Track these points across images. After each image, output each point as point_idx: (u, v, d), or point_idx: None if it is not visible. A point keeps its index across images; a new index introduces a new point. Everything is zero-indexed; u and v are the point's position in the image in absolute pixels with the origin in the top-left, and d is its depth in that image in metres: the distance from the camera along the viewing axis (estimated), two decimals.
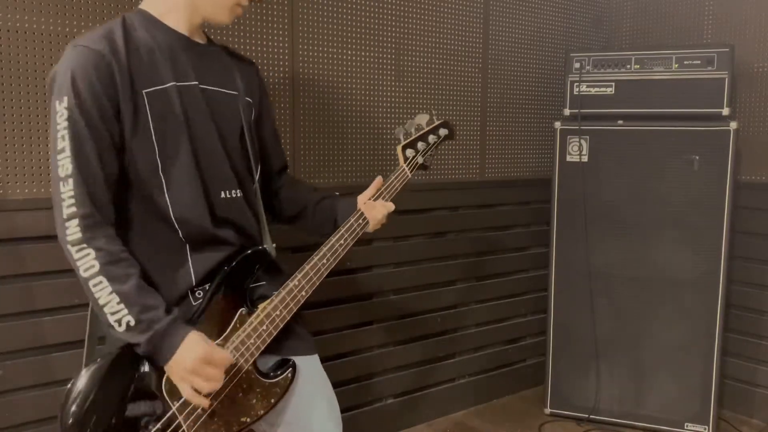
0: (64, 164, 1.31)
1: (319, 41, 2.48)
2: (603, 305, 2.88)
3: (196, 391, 1.34)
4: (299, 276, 1.50)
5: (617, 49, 3.23)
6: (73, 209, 1.30)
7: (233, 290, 1.47)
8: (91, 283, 1.30)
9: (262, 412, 1.46)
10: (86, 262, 1.29)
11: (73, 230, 1.30)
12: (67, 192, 1.30)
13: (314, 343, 1.66)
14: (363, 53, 2.59)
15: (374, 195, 1.68)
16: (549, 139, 3.05)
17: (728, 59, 2.65)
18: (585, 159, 2.86)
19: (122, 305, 1.29)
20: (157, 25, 1.47)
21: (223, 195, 1.50)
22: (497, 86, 3.03)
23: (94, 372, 1.31)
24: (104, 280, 1.29)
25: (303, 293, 1.50)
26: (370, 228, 1.66)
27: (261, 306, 1.48)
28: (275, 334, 1.47)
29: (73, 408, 1.28)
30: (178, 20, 1.49)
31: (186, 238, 1.45)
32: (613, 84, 2.81)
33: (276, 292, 1.49)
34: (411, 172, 1.75)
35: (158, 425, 1.33)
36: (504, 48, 3.04)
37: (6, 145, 1.89)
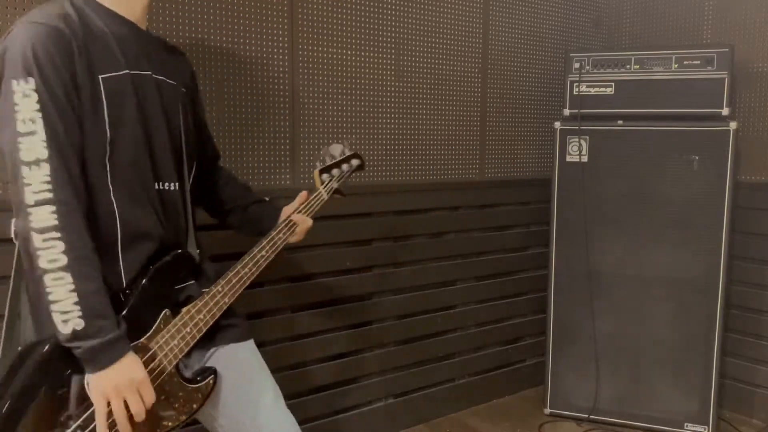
0: (33, 147, 1.22)
1: (319, 41, 2.48)
2: (603, 305, 2.88)
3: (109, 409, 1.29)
4: (222, 282, 1.52)
5: (617, 49, 3.23)
6: (48, 195, 1.22)
7: (158, 291, 1.44)
8: (50, 276, 1.22)
9: (183, 417, 1.45)
10: (52, 253, 1.21)
11: (43, 216, 1.21)
12: (38, 177, 1.22)
13: (248, 329, 1.63)
14: (363, 53, 2.59)
15: (298, 208, 1.77)
16: (549, 139, 3.05)
17: (728, 59, 2.65)
18: (585, 159, 2.86)
19: (77, 306, 1.23)
20: (105, 11, 1.41)
21: (158, 186, 1.47)
22: (497, 86, 3.04)
23: (15, 364, 1.26)
24: (68, 276, 1.22)
25: (226, 299, 1.52)
26: (294, 239, 1.73)
27: (185, 309, 1.47)
28: (198, 337, 1.46)
29: None
30: (128, 9, 1.44)
31: (122, 231, 1.39)
32: (613, 84, 2.81)
33: (200, 297, 1.49)
34: (327, 195, 1.85)
35: (78, 422, 1.28)
36: (504, 48, 3.04)
37: None
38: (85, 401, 1.30)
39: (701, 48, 2.72)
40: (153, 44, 1.53)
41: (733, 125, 2.64)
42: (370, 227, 2.67)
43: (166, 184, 1.49)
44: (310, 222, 1.77)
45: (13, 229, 1.33)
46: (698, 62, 2.69)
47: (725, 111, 2.67)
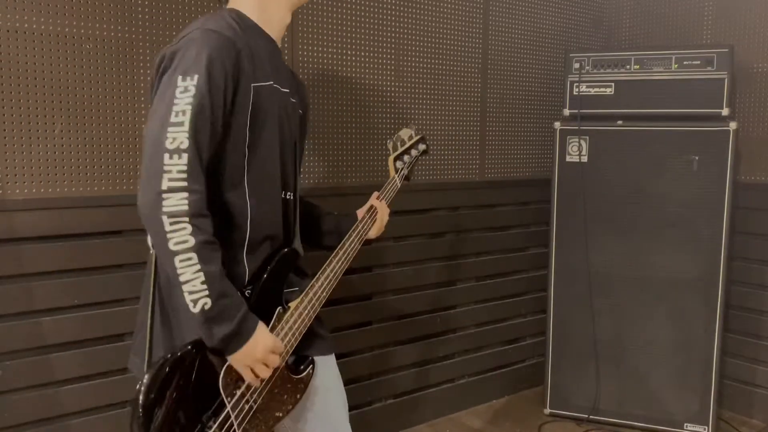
0: (178, 138, 1.32)
1: (319, 41, 2.48)
2: (603, 305, 2.88)
3: (255, 375, 1.42)
4: (322, 278, 1.58)
5: (617, 49, 3.23)
6: (183, 183, 1.31)
7: (272, 289, 1.52)
8: (180, 257, 1.29)
9: (290, 407, 1.53)
10: (181, 236, 1.29)
11: (176, 202, 1.29)
12: (177, 165, 1.31)
13: (333, 342, 1.71)
14: (363, 53, 2.59)
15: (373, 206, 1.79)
16: (549, 139, 3.05)
17: (728, 59, 2.65)
18: (585, 159, 2.86)
19: (204, 286, 1.30)
20: (255, 26, 1.53)
21: (283, 195, 1.58)
22: (497, 86, 3.04)
23: (158, 371, 1.34)
24: (195, 257, 1.30)
25: (324, 294, 1.58)
26: (373, 233, 1.78)
27: (293, 305, 1.53)
28: (304, 332, 1.53)
29: (142, 406, 1.30)
30: (271, 26, 1.56)
31: (251, 232, 1.48)
32: (613, 84, 2.82)
33: (304, 292, 1.55)
34: (400, 182, 1.88)
35: (217, 422, 1.37)
36: (504, 48, 3.04)
37: (6, 145, 1.89)
38: (216, 396, 1.39)
39: (701, 48, 2.72)
40: (283, 64, 1.65)
41: (733, 125, 2.64)
42: None
43: (288, 193, 1.60)
44: (388, 211, 1.82)
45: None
46: (698, 62, 2.69)
47: (725, 111, 2.67)
